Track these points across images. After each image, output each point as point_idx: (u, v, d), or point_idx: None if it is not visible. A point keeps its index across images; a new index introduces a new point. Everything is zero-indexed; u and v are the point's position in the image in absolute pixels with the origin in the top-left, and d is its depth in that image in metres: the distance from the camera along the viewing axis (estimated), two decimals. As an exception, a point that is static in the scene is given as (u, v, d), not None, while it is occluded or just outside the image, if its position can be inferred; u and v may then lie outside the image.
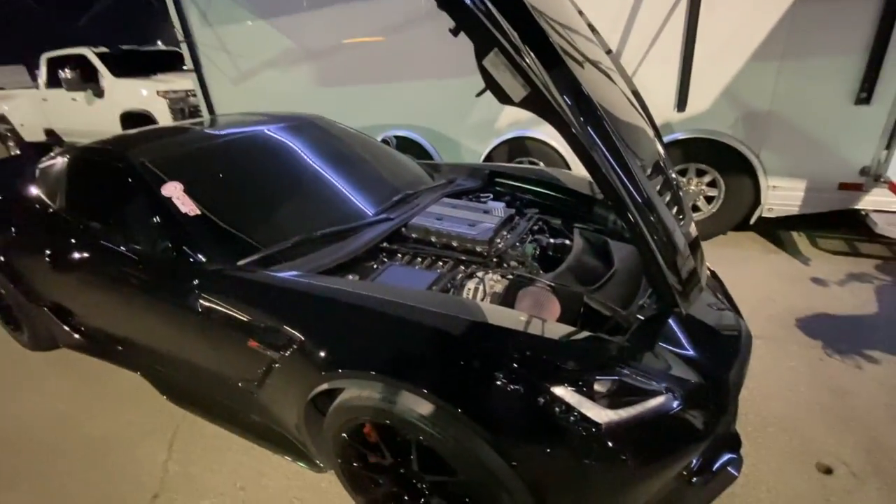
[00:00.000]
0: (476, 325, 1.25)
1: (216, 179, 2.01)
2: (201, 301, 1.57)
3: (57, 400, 2.33)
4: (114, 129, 6.36)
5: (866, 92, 2.71)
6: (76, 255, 1.91)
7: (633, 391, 1.18)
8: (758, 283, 2.85)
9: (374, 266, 1.78)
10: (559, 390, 1.12)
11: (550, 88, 1.11)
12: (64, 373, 2.52)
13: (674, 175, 1.61)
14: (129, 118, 6.36)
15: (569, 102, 1.14)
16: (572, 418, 1.10)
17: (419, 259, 1.83)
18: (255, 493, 1.75)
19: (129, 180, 1.89)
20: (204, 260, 1.65)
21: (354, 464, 1.47)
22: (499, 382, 1.13)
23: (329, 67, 4.22)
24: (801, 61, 2.80)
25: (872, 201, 2.95)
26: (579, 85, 1.17)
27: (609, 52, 1.90)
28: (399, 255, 1.85)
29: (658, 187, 1.41)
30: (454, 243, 1.88)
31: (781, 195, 3.12)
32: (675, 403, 1.21)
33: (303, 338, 1.36)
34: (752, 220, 3.27)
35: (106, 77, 6.45)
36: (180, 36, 4.63)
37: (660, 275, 1.31)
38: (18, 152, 8.03)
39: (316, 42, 4.15)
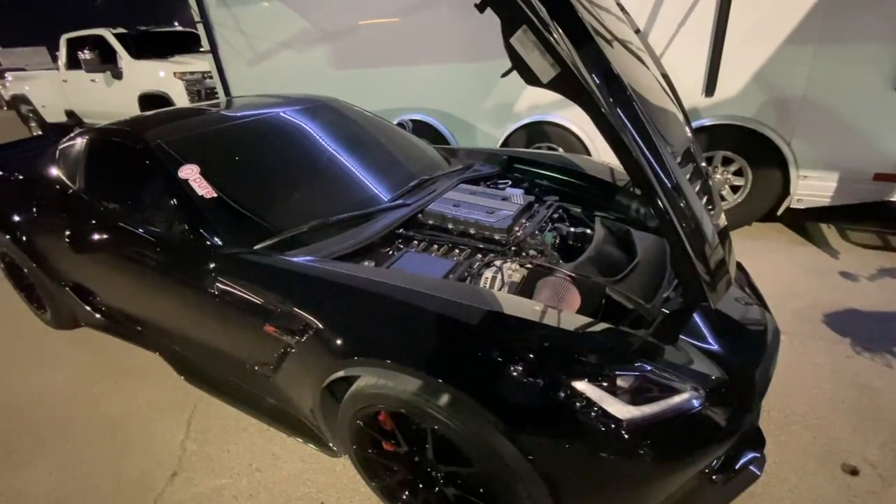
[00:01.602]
0: (494, 315, 1.22)
1: (232, 162, 2.00)
2: (217, 284, 1.57)
3: (78, 378, 2.39)
4: (132, 110, 6.41)
5: (909, 77, 2.56)
6: (95, 236, 1.91)
7: (656, 387, 1.14)
8: (784, 276, 2.75)
9: (390, 252, 1.75)
10: (580, 385, 1.09)
11: (579, 67, 1.05)
12: (85, 351, 2.58)
13: (704, 164, 1.54)
14: (147, 100, 6.39)
15: (598, 82, 1.08)
16: (593, 413, 1.07)
17: (436, 246, 1.80)
18: (269, 474, 1.77)
19: (147, 162, 1.89)
20: (220, 243, 1.65)
21: (369, 450, 1.47)
22: (517, 375, 1.11)
23: (345, 49, 4.16)
24: (839, 45, 2.65)
25: (909, 193, 2.82)
26: (609, 64, 1.10)
27: (638, 31, 1.81)
28: (415, 242, 1.82)
29: (688, 175, 1.34)
30: (472, 231, 1.84)
31: (812, 185, 2.99)
32: (699, 401, 1.17)
33: (318, 324, 1.35)
34: (780, 211, 3.15)
35: (124, 58, 6.48)
36: (197, 16, 4.59)
37: (688, 264, 1.25)
38: (40, 133, 8.16)
39: (332, 23, 4.08)
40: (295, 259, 1.53)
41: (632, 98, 1.14)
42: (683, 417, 1.14)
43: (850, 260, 2.89)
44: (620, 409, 1.08)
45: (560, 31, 1.03)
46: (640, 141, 1.15)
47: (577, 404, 1.07)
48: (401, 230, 1.85)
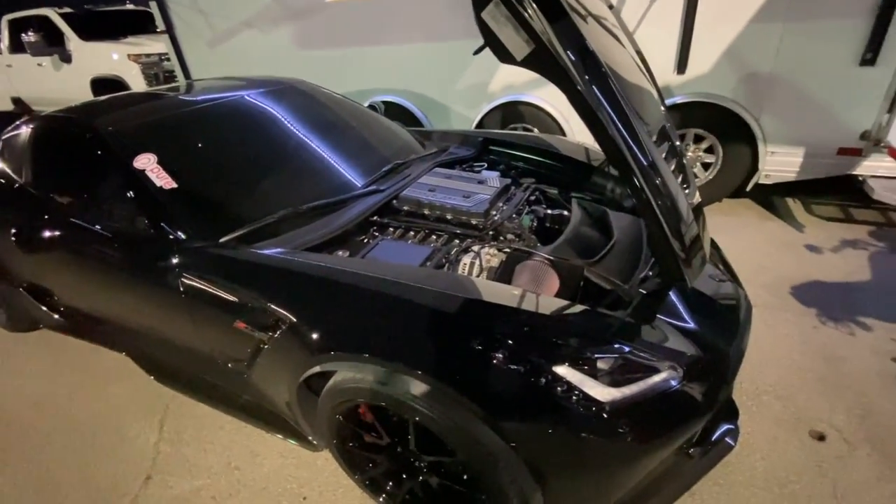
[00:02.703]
0: (472, 302, 1.20)
1: (194, 150, 1.89)
2: (183, 280, 1.49)
3: (40, 382, 2.27)
4: (84, 95, 6.04)
5: (872, 52, 2.61)
6: (46, 234, 1.80)
7: (635, 367, 1.15)
8: (753, 251, 2.83)
9: (365, 241, 1.70)
10: (561, 369, 1.08)
11: (554, 44, 1.01)
12: (46, 354, 2.45)
13: (678, 142, 1.53)
14: (101, 84, 6.04)
15: (573, 58, 1.05)
16: (574, 398, 1.07)
17: (412, 233, 1.76)
18: (249, 472, 1.73)
19: (99, 152, 1.77)
20: (183, 237, 1.56)
21: (350, 444, 1.44)
22: (497, 362, 1.09)
23: (312, 29, 3.98)
24: (806, 22, 2.69)
25: (870, 166, 2.91)
26: (584, 40, 1.07)
27: (611, 7, 1.77)
28: (391, 229, 1.77)
29: (664, 154, 1.33)
30: (448, 216, 1.80)
31: (779, 161, 3.06)
32: (677, 379, 1.18)
33: (291, 318, 1.30)
34: (749, 187, 3.22)
35: (72, 40, 6.08)
36: (149, -6, 4.32)
37: (664, 243, 1.25)
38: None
39: (298, 1, 3.89)
40: (264, 251, 1.47)
41: (607, 75, 1.11)
42: (663, 396, 1.15)
43: (815, 233, 2.99)
44: (601, 392, 1.08)
45: (533, 5, 0.98)
46: (615, 119, 1.13)
47: (558, 389, 1.07)
48: (375, 217, 1.79)
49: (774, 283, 2.52)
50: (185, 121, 2.00)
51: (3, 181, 2.11)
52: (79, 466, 1.82)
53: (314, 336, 1.27)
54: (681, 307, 1.41)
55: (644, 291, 1.40)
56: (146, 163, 1.67)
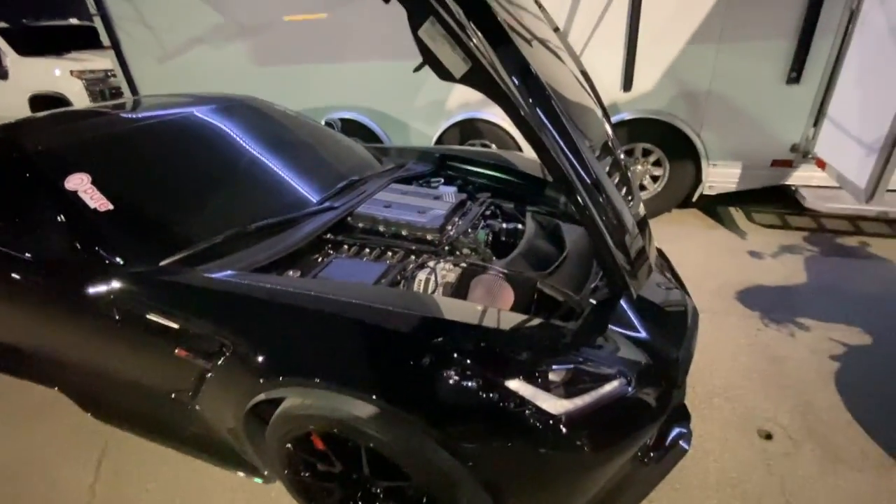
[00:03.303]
0: (426, 321, 1.18)
1: (133, 169, 1.79)
2: (120, 308, 1.40)
3: (-40, 424, 2.06)
4: (23, 114, 5.69)
5: (796, 71, 2.83)
6: (-34, 262, 1.65)
7: (587, 377, 1.16)
8: (700, 258, 2.96)
9: (318, 260, 1.66)
10: (513, 384, 1.08)
11: (497, 67, 1.03)
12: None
13: (622, 156, 1.59)
14: (41, 102, 5.71)
15: (516, 82, 1.07)
16: (528, 412, 1.06)
17: (367, 250, 1.73)
18: (197, 509, 1.63)
19: (26, 173, 1.65)
20: (121, 262, 1.47)
21: (303, 474, 1.37)
22: (451, 381, 1.07)
23: (267, 45, 3.93)
24: (737, 43, 2.89)
25: (801, 177, 3.14)
26: (527, 64, 1.10)
27: (556, 29, 1.84)
28: (345, 247, 1.74)
29: (607, 168, 1.38)
30: (404, 232, 1.78)
31: (720, 173, 3.24)
32: (629, 387, 1.20)
33: (237, 344, 1.24)
34: (694, 198, 3.39)
35: (9, 55, 5.75)
36: (93, 8, 4.14)
37: (608, 256, 1.29)
38: None
39: (251, 17, 3.84)
40: (208, 274, 1.40)
41: (550, 97, 1.14)
42: (615, 404, 1.16)
43: (756, 240, 3.17)
44: (554, 405, 1.08)
45: (469, 23, 1.00)
46: (558, 139, 1.16)
47: (511, 404, 1.06)
48: (329, 235, 1.76)
49: (720, 289, 2.64)
50: (125, 139, 1.91)
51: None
52: (2, 517, 1.65)
53: (260, 361, 1.21)
54: (631, 315, 1.45)
55: (594, 301, 1.43)
56: (79, 184, 1.57)
